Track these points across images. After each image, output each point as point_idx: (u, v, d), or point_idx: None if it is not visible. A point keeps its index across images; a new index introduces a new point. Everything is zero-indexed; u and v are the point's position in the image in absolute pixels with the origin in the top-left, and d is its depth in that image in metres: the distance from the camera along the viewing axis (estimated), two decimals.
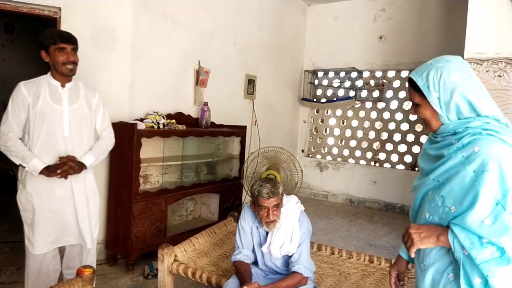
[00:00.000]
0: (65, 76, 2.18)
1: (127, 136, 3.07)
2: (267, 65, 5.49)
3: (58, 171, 2.08)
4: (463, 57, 3.25)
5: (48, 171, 2.08)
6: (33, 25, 6.90)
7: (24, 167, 2.09)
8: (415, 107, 1.24)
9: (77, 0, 3.13)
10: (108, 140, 2.43)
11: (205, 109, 3.94)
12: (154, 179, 3.59)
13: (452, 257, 1.14)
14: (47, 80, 2.19)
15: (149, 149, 3.47)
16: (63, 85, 2.21)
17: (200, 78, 4.11)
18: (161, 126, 3.37)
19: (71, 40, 2.16)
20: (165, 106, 3.77)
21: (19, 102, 2.10)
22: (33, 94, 2.12)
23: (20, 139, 2.14)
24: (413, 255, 1.18)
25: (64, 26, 3.09)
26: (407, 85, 5.02)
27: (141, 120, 3.33)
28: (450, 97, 1.13)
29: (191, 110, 4.07)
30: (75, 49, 2.19)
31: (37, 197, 2.14)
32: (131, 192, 3.05)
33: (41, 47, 2.14)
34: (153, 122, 3.33)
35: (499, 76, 3.13)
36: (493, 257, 1.02)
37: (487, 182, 1.03)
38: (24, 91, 2.11)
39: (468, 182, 1.07)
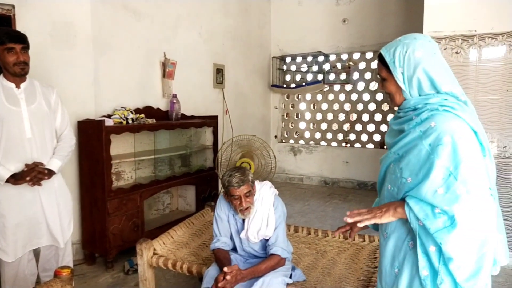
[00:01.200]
0: (17, 76, 2.11)
1: (95, 133, 3.01)
2: (234, 53, 5.48)
3: (28, 178, 2.04)
4: None
5: (15, 179, 2.04)
6: None
7: None
8: (382, 82, 1.30)
9: None
10: (70, 141, 2.36)
11: (174, 101, 3.91)
12: (127, 175, 3.55)
13: (410, 226, 1.21)
14: (0, 83, 2.10)
15: (120, 145, 3.42)
16: (18, 86, 2.13)
17: (167, 70, 4.06)
18: (130, 121, 3.32)
19: (19, 39, 2.07)
20: (133, 100, 3.71)
21: None
22: None
23: None
24: (360, 225, 1.27)
25: (19, 25, 2.96)
26: (372, 66, 5.12)
27: (109, 116, 3.27)
28: (413, 73, 1.18)
29: (160, 103, 4.03)
30: (25, 48, 2.11)
31: (6, 203, 2.09)
32: (104, 190, 3.01)
33: None
34: (121, 117, 3.27)
35: (457, 53, 3.26)
36: (445, 226, 1.09)
37: (442, 154, 1.10)
38: None
39: (424, 155, 1.14)
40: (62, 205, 2.31)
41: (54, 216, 2.24)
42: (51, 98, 2.27)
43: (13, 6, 2.97)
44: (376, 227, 1.46)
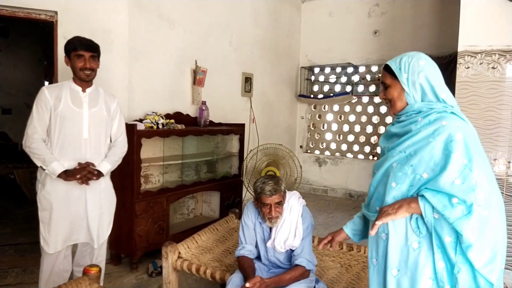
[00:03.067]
0: (83, 81, 2.28)
1: (127, 137, 3.08)
2: (263, 63, 5.52)
3: (78, 176, 2.17)
4: (457, 50, 3.29)
5: (66, 175, 2.16)
6: (29, 29, 6.91)
7: (44, 170, 2.17)
8: (385, 89, 1.41)
9: (73, 3, 3.15)
10: (122, 147, 2.50)
11: (203, 108, 3.97)
12: (155, 178, 3.62)
13: (416, 225, 1.27)
14: (69, 85, 2.29)
15: (149, 149, 3.50)
16: (83, 90, 2.30)
17: (197, 77, 4.14)
18: (160, 126, 3.40)
19: (89, 47, 2.25)
20: (164, 106, 3.80)
21: (42, 105, 2.20)
22: (55, 97, 2.21)
23: (45, 141, 2.23)
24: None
25: (61, 30, 3.11)
26: None
27: (140, 120, 3.36)
28: (417, 77, 1.32)
29: (190, 110, 4.10)
30: (94, 56, 2.28)
31: (55, 196, 2.21)
32: (133, 192, 3.08)
33: (65, 52, 2.25)
34: (152, 122, 3.36)
35: (493, 68, 3.17)
36: (463, 214, 1.16)
37: (456, 149, 1.20)
38: (47, 94, 2.21)
39: (437, 151, 1.24)
40: (105, 206, 2.42)
41: (94, 215, 2.34)
42: (112, 106, 2.43)
43: (56, 12, 3.13)
44: (360, 238, 1.61)
